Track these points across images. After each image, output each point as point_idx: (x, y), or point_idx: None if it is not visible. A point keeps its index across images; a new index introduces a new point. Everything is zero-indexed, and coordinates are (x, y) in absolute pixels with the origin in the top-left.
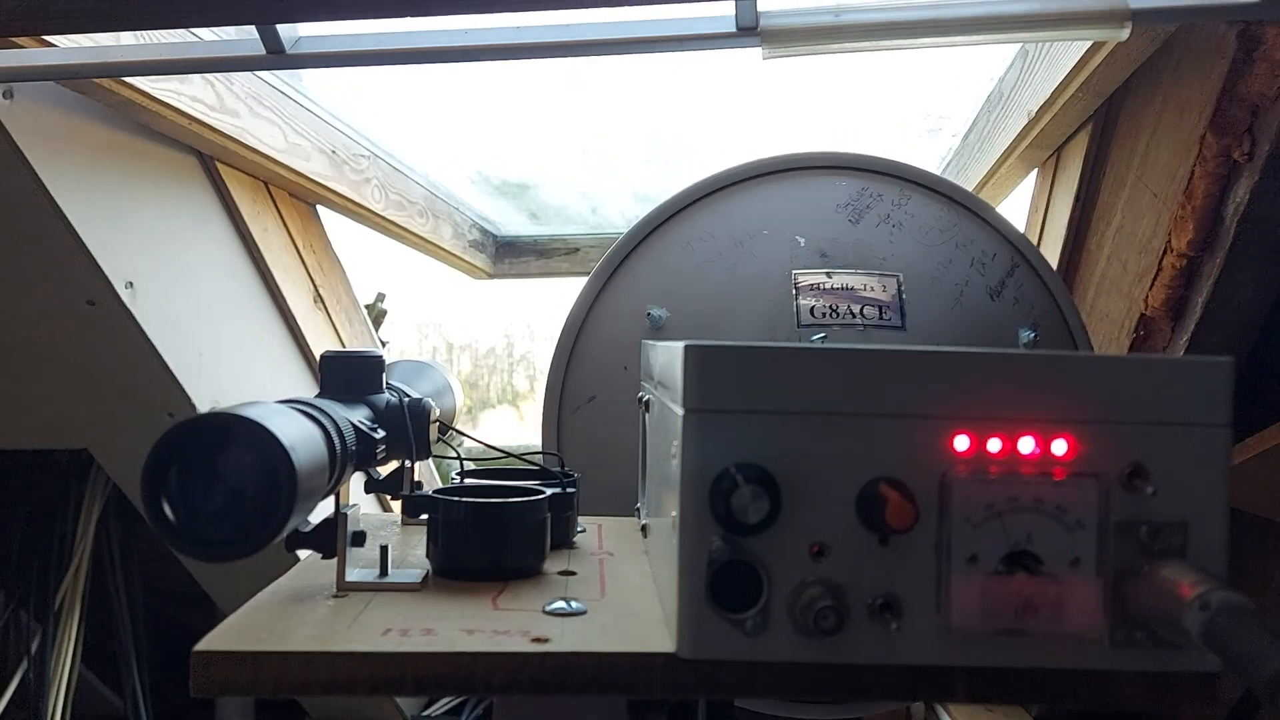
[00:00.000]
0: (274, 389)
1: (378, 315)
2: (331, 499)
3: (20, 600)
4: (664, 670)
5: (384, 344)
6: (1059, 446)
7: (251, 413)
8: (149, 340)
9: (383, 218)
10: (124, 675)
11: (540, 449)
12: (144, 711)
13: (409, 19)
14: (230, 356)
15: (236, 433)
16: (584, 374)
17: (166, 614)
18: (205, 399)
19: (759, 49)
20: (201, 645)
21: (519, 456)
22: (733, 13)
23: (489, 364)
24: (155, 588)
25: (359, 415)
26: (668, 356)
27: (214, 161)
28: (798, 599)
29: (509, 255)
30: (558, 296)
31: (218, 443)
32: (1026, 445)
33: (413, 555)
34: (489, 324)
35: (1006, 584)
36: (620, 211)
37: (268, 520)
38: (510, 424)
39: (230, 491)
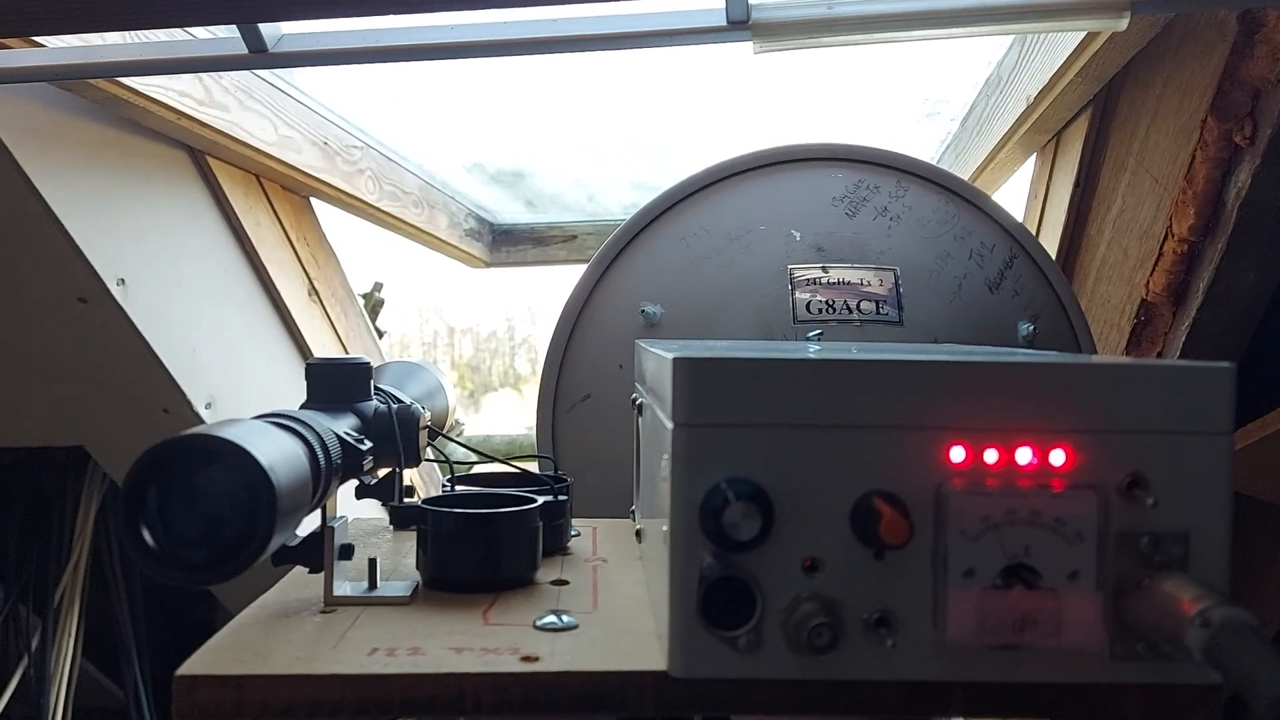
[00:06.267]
0: (268, 383)
1: (375, 305)
2: (318, 512)
3: (20, 595)
4: (655, 689)
5: (382, 334)
6: (1057, 457)
7: (230, 433)
8: (142, 337)
9: (377, 209)
10: (125, 667)
11: (536, 448)
12: (145, 703)
13: (393, 16)
14: (224, 352)
15: (215, 454)
16: (578, 372)
17: (167, 605)
18: (199, 395)
19: (750, 43)
20: (184, 669)
21: (507, 462)
22: (723, 6)
23: (490, 348)
24: (155, 580)
25: (345, 425)
26: (658, 365)
27: (204, 156)
28: (791, 615)
29: (506, 244)
30: (558, 280)
31: (196, 464)
32: (1024, 456)
33: (404, 564)
34: (490, 308)
35: (1004, 598)
36: (617, 199)
37: (248, 543)
38: (512, 407)
39: (209, 513)
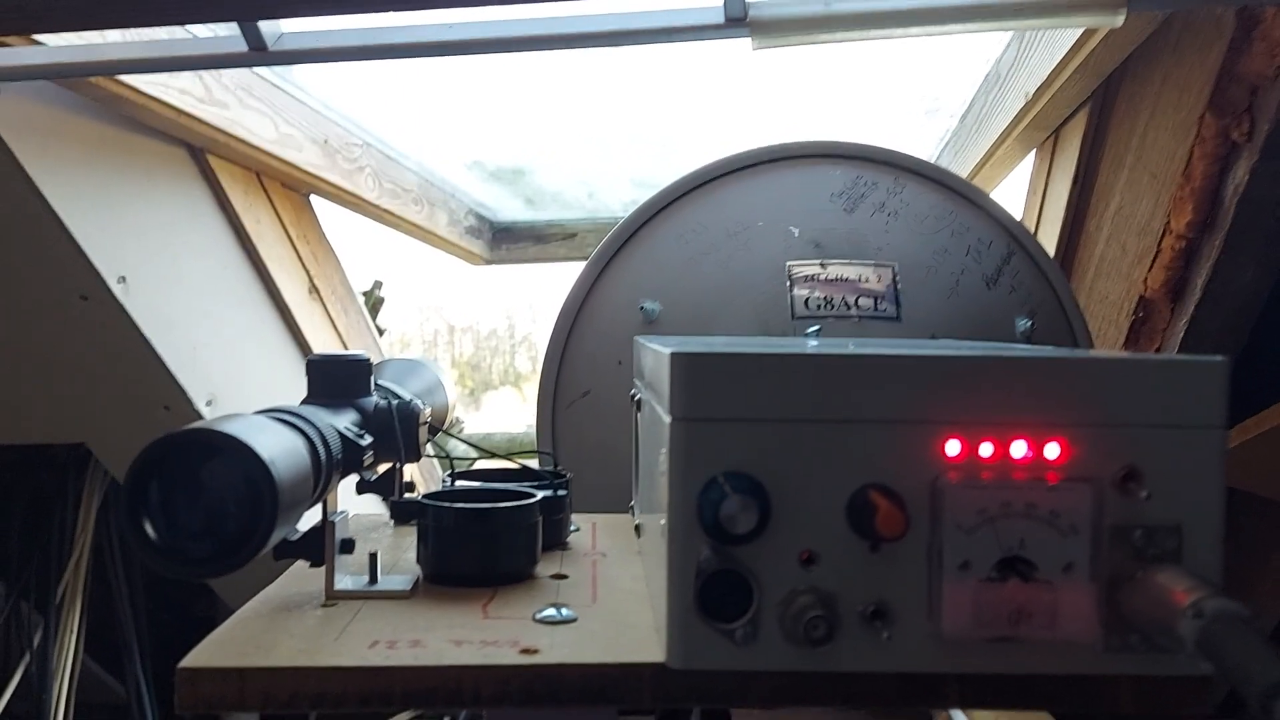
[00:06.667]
0: (269, 381)
1: (375, 303)
2: (320, 506)
3: (22, 592)
4: (654, 680)
5: (381, 331)
6: (1051, 450)
7: (232, 427)
8: (143, 334)
9: (377, 206)
10: (126, 664)
11: (535, 444)
12: (147, 699)
13: (393, 13)
14: (225, 349)
15: (217, 448)
16: (578, 369)
17: (168, 601)
18: (200, 392)
19: (748, 40)
20: (187, 661)
21: (507, 457)
22: (721, 3)
23: (491, 346)
24: (156, 576)
25: (345, 421)
26: (656, 361)
27: (204, 153)
28: (788, 608)
29: (505, 241)
30: (559, 278)
31: (198, 459)
32: (1019, 449)
33: (405, 558)
34: (490, 306)
35: (999, 590)
36: (617, 196)
37: (250, 536)
38: (513, 405)
39: (211, 507)
